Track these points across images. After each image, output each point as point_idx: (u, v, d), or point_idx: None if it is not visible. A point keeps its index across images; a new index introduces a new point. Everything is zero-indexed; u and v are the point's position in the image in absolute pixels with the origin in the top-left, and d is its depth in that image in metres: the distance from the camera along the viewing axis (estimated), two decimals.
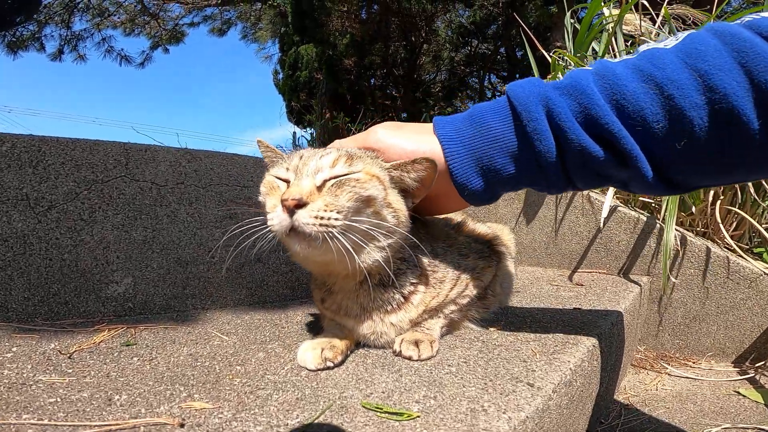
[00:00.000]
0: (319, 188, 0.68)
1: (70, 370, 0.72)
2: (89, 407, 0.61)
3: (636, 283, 1.48)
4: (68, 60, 6.56)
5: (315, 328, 0.96)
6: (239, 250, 1.22)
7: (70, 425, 0.56)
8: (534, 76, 2.09)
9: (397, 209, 0.73)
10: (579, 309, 1.12)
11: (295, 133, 5.51)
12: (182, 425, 0.56)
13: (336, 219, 0.65)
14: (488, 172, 0.71)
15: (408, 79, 7.07)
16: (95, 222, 1.06)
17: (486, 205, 0.87)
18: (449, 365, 0.76)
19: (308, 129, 7.43)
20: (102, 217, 1.06)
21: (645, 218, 1.59)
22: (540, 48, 2.03)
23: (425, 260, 0.81)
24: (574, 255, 1.71)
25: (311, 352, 0.74)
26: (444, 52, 7.52)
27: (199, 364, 0.77)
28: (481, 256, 0.91)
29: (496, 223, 1.27)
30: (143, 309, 1.08)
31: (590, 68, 0.67)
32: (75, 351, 0.81)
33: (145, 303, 1.09)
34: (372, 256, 0.72)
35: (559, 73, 1.71)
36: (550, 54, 2.02)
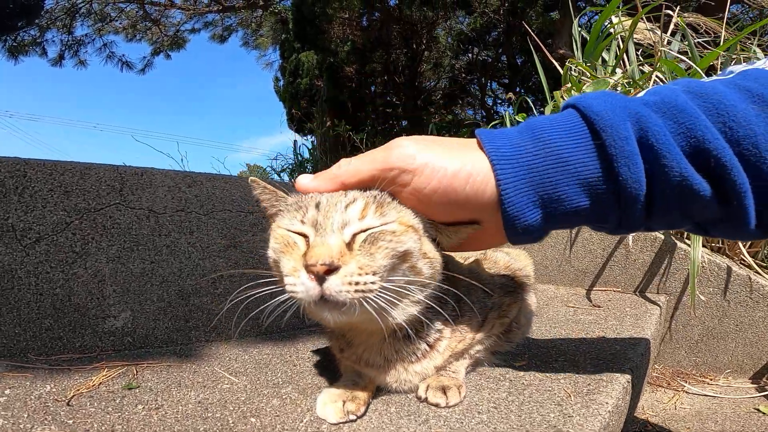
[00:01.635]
0: (348, 245, 0.59)
1: (71, 421, 0.68)
2: None
3: (655, 303, 1.46)
4: (69, 65, 6.52)
5: (329, 368, 0.92)
6: (246, 280, 1.19)
7: None
8: (542, 83, 2.08)
9: (432, 258, 0.66)
10: (604, 337, 1.10)
11: (296, 141, 5.45)
12: None
13: (373, 283, 0.58)
14: (549, 203, 0.57)
15: (409, 86, 7.07)
16: (88, 254, 1.01)
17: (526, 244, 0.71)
18: (479, 412, 0.72)
19: (309, 137, 7.42)
20: (95, 248, 1.02)
21: (662, 236, 1.57)
22: (548, 56, 2.00)
23: (450, 304, 0.77)
24: (588, 273, 1.69)
25: (332, 406, 0.70)
26: (445, 59, 7.53)
27: (210, 415, 0.73)
28: (506, 292, 0.88)
29: (509, 248, 1.24)
30: (144, 343, 1.04)
31: (675, 86, 0.56)
32: (73, 396, 0.77)
33: (146, 337, 1.04)
34: (407, 312, 0.66)
35: (571, 84, 1.70)
36: (554, 58, 2.01)
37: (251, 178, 0.73)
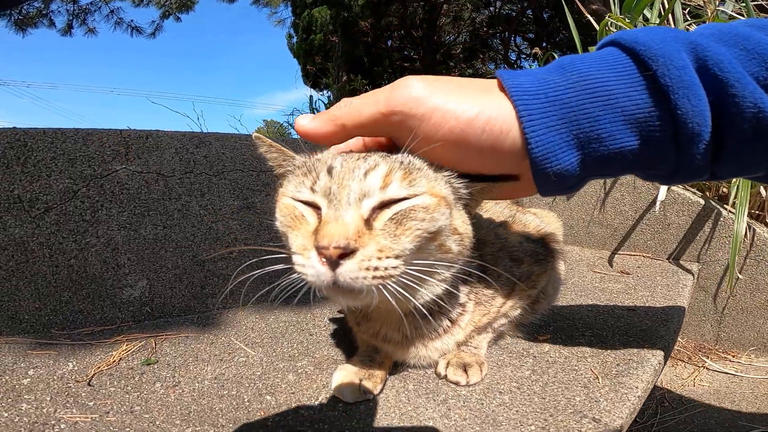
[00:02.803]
0: (368, 221, 0.51)
1: (92, 403, 0.69)
2: None
3: (688, 271, 1.39)
4: (79, 34, 6.37)
5: (346, 339, 0.91)
6: (261, 242, 1.17)
7: None
8: (573, 39, 1.89)
9: (462, 234, 0.58)
10: (634, 309, 1.05)
11: (311, 96, 5.28)
12: None
13: (395, 268, 0.50)
14: (588, 143, 0.47)
15: (427, 40, 6.63)
16: (99, 222, 1.00)
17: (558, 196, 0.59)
18: (500, 392, 0.70)
19: (325, 92, 7.19)
20: (106, 216, 1.00)
21: (702, 201, 1.47)
22: (582, 9, 1.80)
23: (475, 274, 0.72)
24: (617, 236, 1.62)
25: (348, 386, 0.68)
26: (465, 12, 6.97)
27: (225, 393, 0.73)
28: (536, 260, 0.81)
29: (538, 209, 1.17)
30: (162, 312, 1.05)
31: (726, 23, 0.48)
32: (94, 375, 0.78)
33: (164, 306, 1.05)
34: (430, 293, 0.60)
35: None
36: (587, 12, 1.80)
37: (255, 134, 0.64)
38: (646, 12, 1.67)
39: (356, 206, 0.51)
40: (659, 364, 0.80)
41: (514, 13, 6.60)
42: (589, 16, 1.80)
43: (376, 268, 0.49)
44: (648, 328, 0.93)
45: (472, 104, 0.48)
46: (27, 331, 0.92)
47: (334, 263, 0.48)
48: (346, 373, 0.71)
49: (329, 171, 0.54)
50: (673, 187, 1.51)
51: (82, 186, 0.99)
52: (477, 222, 0.81)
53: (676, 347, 1.47)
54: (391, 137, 0.55)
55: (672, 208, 1.51)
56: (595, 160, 0.48)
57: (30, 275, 0.94)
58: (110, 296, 0.99)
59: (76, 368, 0.80)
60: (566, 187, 0.52)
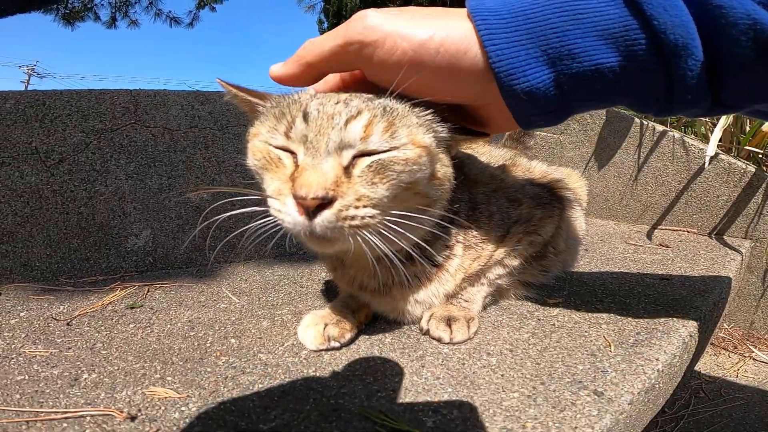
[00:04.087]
0: (346, 168, 0.46)
1: (59, 340, 0.64)
2: (50, 388, 0.51)
3: (735, 249, 1.14)
4: (122, 26, 6.59)
5: (335, 293, 0.80)
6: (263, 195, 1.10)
7: (17, 410, 0.46)
8: None
9: (442, 179, 0.52)
10: (669, 279, 0.86)
11: None
12: (133, 418, 0.44)
13: (372, 216, 0.46)
14: (559, 59, 0.42)
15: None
16: (108, 172, 0.96)
17: (548, 127, 0.54)
18: (488, 354, 0.56)
19: None
20: (114, 166, 0.96)
21: (753, 170, 1.21)
22: None
23: (463, 213, 0.60)
24: (657, 209, 1.38)
25: (312, 329, 0.58)
26: None
27: (193, 333, 0.65)
28: (538, 203, 0.67)
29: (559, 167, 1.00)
30: (165, 264, 1.00)
31: None
32: (77, 316, 0.73)
33: (166, 257, 1.00)
34: (407, 241, 0.51)
35: None
36: None
37: (218, 79, 0.56)
38: None
39: (335, 156, 0.46)
40: (690, 336, 0.62)
41: None
42: None
43: (353, 218, 0.45)
44: (682, 298, 0.74)
45: (425, 28, 0.44)
46: (37, 278, 0.90)
47: (311, 212, 0.44)
48: (313, 318, 0.60)
49: (305, 116, 0.47)
50: (722, 155, 1.26)
51: (94, 139, 0.96)
52: (470, 161, 0.67)
53: (721, 334, 1.23)
54: (354, 68, 0.50)
55: (720, 178, 1.26)
56: (571, 79, 0.42)
57: (43, 221, 0.92)
58: (116, 245, 0.96)
59: (64, 311, 0.76)
60: (546, 111, 0.46)
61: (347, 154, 0.46)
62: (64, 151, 0.94)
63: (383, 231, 0.47)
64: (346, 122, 0.46)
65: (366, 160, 0.46)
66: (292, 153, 0.48)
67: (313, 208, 0.43)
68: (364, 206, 0.45)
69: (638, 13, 0.39)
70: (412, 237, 0.51)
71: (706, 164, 1.24)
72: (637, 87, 0.43)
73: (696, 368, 1.09)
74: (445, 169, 0.53)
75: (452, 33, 0.44)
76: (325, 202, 0.43)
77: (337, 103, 0.48)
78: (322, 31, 7.74)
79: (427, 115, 0.50)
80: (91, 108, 0.97)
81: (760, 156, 1.40)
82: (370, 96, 0.49)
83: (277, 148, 0.49)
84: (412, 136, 0.48)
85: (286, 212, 0.45)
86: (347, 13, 6.56)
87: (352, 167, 0.46)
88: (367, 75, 0.50)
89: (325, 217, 0.44)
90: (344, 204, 0.44)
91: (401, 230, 0.48)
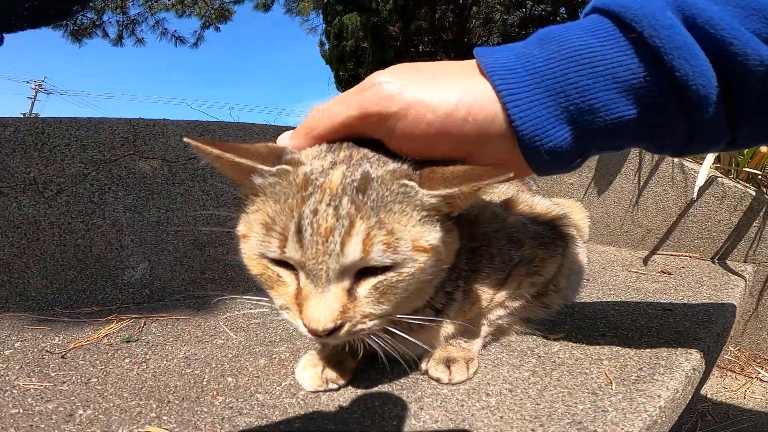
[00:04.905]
0: (350, 290, 0.45)
1: (54, 374, 0.64)
2: (45, 423, 0.51)
3: (739, 275, 1.15)
4: (129, 44, 6.72)
5: None
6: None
7: None
8: None
9: (449, 255, 0.51)
10: (671, 309, 0.86)
11: None
12: None
13: (376, 325, 0.48)
14: (580, 116, 0.41)
15: (457, 43, 6.38)
16: (106, 204, 0.98)
17: (560, 174, 0.53)
18: (488, 395, 0.56)
19: None
20: (113, 198, 0.98)
21: (753, 193, 1.23)
22: None
23: (464, 257, 0.60)
24: (657, 234, 1.39)
25: (310, 371, 0.58)
26: (495, 14, 6.65)
27: (189, 371, 0.65)
28: (541, 243, 0.68)
29: (561, 198, 1.01)
30: (161, 295, 1.00)
31: None
32: (72, 348, 0.73)
33: (163, 289, 1.00)
34: (409, 310, 0.52)
35: None
36: None
37: (186, 139, 0.44)
38: None
39: (336, 282, 0.44)
40: (693, 370, 0.62)
41: (546, 13, 6.17)
42: None
43: (361, 330, 0.47)
44: (685, 330, 0.75)
45: (449, 93, 0.42)
46: (32, 308, 0.91)
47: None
48: (311, 359, 0.60)
49: (298, 230, 0.43)
50: (721, 178, 1.28)
51: (92, 170, 0.98)
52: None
53: (726, 357, 1.22)
54: (370, 136, 0.47)
55: (721, 202, 1.27)
56: (592, 133, 0.42)
57: (40, 253, 0.93)
58: (112, 277, 0.96)
59: (60, 342, 0.76)
60: (564, 163, 0.45)
61: (349, 275, 0.45)
62: (62, 182, 0.96)
63: (389, 327, 0.49)
64: (342, 245, 0.42)
65: (371, 281, 0.45)
66: (290, 268, 0.46)
67: (324, 336, 0.45)
68: (371, 320, 0.47)
69: (659, 64, 0.39)
70: (415, 305, 0.53)
71: (695, 195, 1.26)
72: (656, 133, 0.43)
73: (702, 392, 1.08)
74: (451, 245, 0.50)
75: (479, 97, 0.42)
76: (334, 330, 0.45)
77: (331, 217, 0.42)
78: (323, 53, 7.88)
79: (432, 197, 0.45)
80: (90, 137, 0.99)
81: (759, 177, 1.42)
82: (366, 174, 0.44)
83: (273, 261, 0.46)
84: (415, 242, 0.45)
85: (297, 324, 0.47)
86: (348, 35, 6.71)
87: (356, 287, 0.45)
88: (386, 144, 0.46)
89: (334, 335, 0.45)
90: (352, 324, 0.46)
91: (407, 315, 0.50)
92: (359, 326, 0.46)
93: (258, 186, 0.46)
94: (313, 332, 0.44)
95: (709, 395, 1.09)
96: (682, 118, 0.41)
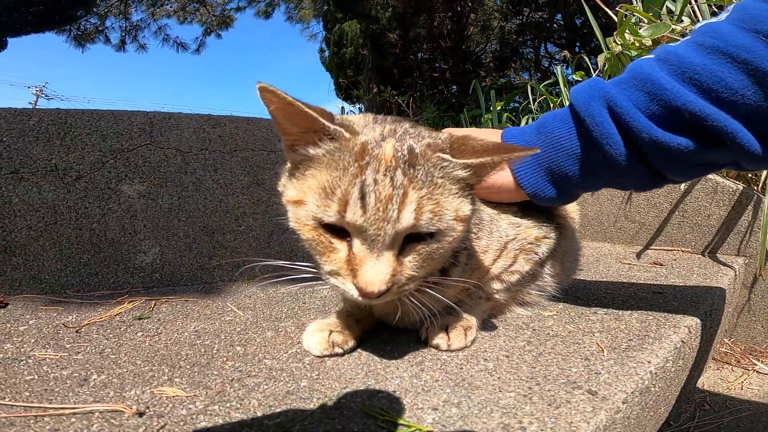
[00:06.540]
0: (398, 254, 0.49)
1: (69, 345, 0.65)
2: (60, 387, 0.52)
3: (728, 265, 1.16)
4: (131, 50, 6.64)
5: (335, 305, 0.82)
6: (268, 218, 1.12)
7: (25, 406, 0.47)
8: (598, 40, 1.73)
9: (469, 228, 0.60)
10: (661, 292, 0.87)
11: (343, 108, 5.30)
12: (141, 414, 0.45)
13: (414, 287, 0.53)
14: (560, 179, 0.65)
15: (456, 50, 6.41)
16: (122, 190, 0.99)
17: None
18: (485, 359, 0.58)
19: (356, 104, 7.16)
20: (128, 185, 1.00)
21: (741, 188, 1.25)
22: (604, 8, 1.64)
23: (474, 228, 0.65)
24: (650, 229, 1.41)
25: (318, 335, 0.60)
26: (493, 21, 6.70)
27: (199, 342, 0.66)
28: (535, 224, 0.71)
29: None
30: (170, 280, 1.02)
31: (651, 56, 0.60)
32: (86, 324, 0.74)
33: (172, 274, 1.02)
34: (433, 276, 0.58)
35: (627, 29, 1.36)
36: (617, 9, 1.65)
37: (260, 84, 0.46)
38: (669, 4, 1.50)
39: (389, 248, 0.48)
40: (682, 342, 0.64)
41: (543, 20, 6.22)
42: (608, 11, 1.63)
43: (403, 291, 0.51)
44: (673, 308, 0.76)
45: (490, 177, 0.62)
46: (45, 291, 0.92)
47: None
48: (317, 325, 0.62)
49: (362, 198, 0.46)
50: (711, 175, 1.30)
51: (110, 158, 1.00)
52: None
53: (722, 349, 1.23)
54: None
55: (710, 198, 1.29)
56: (569, 188, 0.67)
57: (56, 236, 0.95)
58: (125, 261, 0.98)
59: (73, 320, 0.77)
60: (562, 201, 0.69)
61: (398, 241, 0.48)
62: (81, 169, 0.98)
63: (420, 285, 0.54)
64: (398, 212, 0.46)
65: (416, 247, 0.50)
66: (345, 235, 0.48)
67: (375, 296, 0.48)
68: (413, 282, 0.51)
69: (594, 145, 0.61)
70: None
71: (682, 186, 1.28)
72: (610, 184, 0.66)
73: (699, 384, 1.08)
74: (474, 214, 0.55)
75: (505, 179, 0.67)
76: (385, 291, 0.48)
77: (390, 187, 0.46)
78: (323, 60, 7.87)
79: (464, 168, 0.50)
80: (109, 128, 1.01)
81: (749, 175, 1.44)
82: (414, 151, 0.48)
83: (327, 226, 0.48)
84: (455, 212, 0.50)
85: (347, 288, 0.49)
86: (347, 42, 6.75)
87: (402, 253, 0.49)
88: None
89: (383, 297, 0.49)
90: (398, 286, 0.50)
91: (433, 275, 0.56)
92: (404, 288, 0.50)
93: (312, 155, 0.49)
94: (368, 295, 0.47)
95: (706, 386, 1.09)
96: (617, 175, 0.62)
